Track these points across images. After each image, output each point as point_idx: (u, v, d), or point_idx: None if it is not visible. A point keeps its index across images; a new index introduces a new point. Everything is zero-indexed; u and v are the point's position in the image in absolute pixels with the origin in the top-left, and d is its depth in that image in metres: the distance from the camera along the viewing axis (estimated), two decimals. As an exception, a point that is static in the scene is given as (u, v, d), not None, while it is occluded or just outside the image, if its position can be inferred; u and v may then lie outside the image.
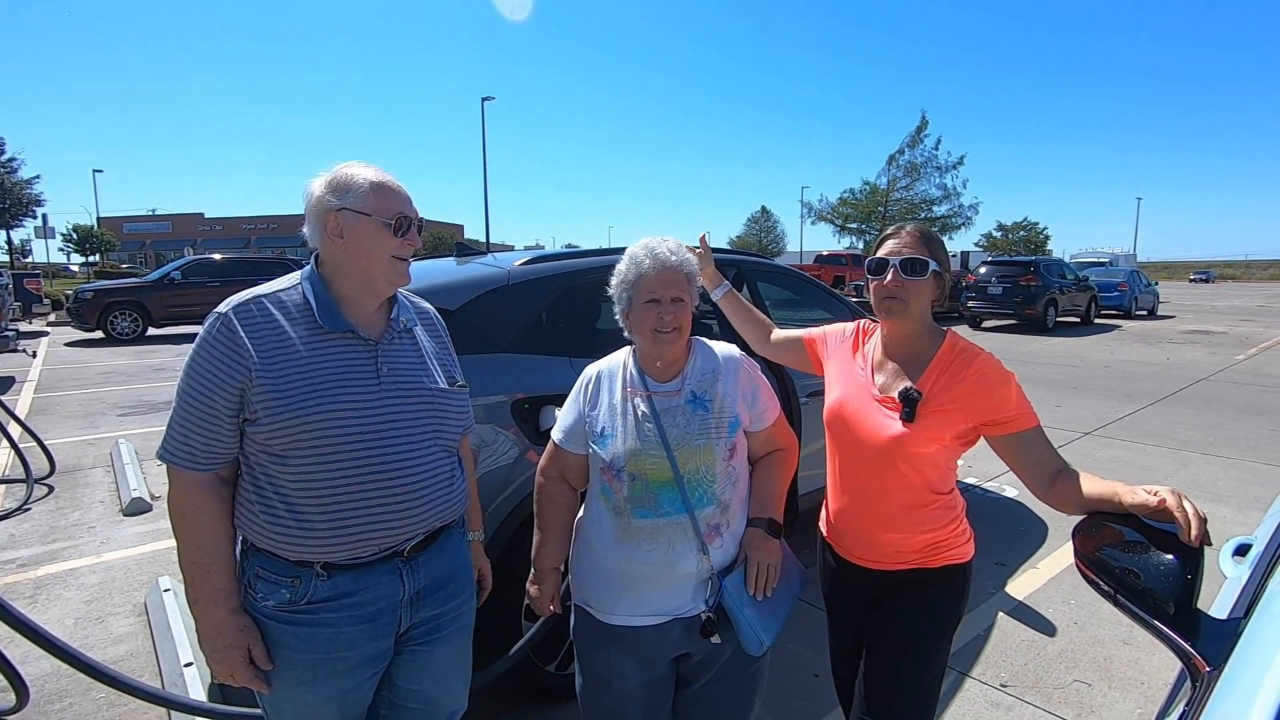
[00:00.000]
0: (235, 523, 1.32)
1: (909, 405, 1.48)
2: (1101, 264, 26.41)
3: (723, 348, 1.65)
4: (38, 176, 31.14)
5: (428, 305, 1.59)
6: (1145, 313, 20.83)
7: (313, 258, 1.39)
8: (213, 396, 1.23)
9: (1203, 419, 7.02)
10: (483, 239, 34.01)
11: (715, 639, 1.46)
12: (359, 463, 1.27)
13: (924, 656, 1.56)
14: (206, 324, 1.27)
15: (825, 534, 1.75)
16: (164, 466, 1.28)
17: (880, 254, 1.57)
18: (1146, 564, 1.05)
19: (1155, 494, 1.15)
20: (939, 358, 1.53)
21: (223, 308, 1.28)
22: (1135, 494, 1.19)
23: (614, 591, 1.51)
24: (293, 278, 1.37)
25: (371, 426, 1.29)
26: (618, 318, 1.60)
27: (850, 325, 1.77)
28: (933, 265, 1.52)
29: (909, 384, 1.51)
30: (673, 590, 1.49)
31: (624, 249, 1.65)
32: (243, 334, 1.24)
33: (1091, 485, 1.32)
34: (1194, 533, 1.06)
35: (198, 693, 2.43)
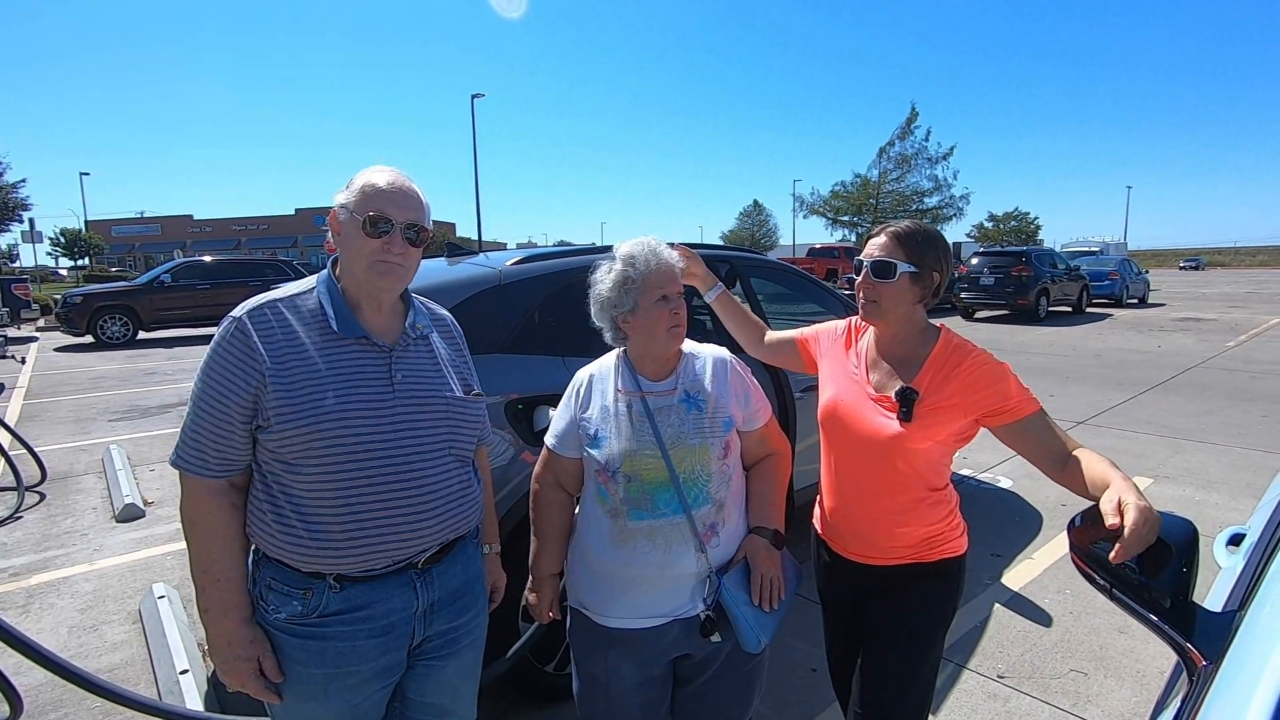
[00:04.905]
0: (247, 531, 1.29)
1: (906, 404, 1.48)
2: (1092, 253, 26.44)
3: (713, 349, 1.65)
4: (24, 180, 30.76)
5: (445, 312, 1.57)
6: (1136, 301, 20.92)
7: (330, 262, 1.38)
8: (226, 402, 1.21)
9: (1194, 406, 7.07)
10: (475, 236, 33.87)
11: (716, 638, 1.46)
12: (371, 472, 1.25)
13: (919, 649, 1.56)
14: (221, 328, 1.25)
15: (820, 530, 1.75)
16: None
17: (862, 254, 1.58)
18: (1141, 557, 1.05)
19: (1117, 509, 1.09)
20: (934, 357, 1.52)
21: (238, 311, 1.26)
22: (1107, 499, 1.13)
23: (611, 594, 1.51)
24: (309, 282, 1.35)
25: (384, 435, 1.27)
26: (612, 320, 1.56)
27: (842, 323, 1.76)
28: (902, 268, 1.49)
29: (904, 383, 1.51)
30: (670, 591, 1.49)
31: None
32: (256, 338, 1.22)
33: (1092, 471, 1.29)
34: (1113, 554, 1.04)
35: (194, 700, 2.42)
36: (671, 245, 2.02)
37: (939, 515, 1.56)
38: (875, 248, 1.54)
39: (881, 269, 1.51)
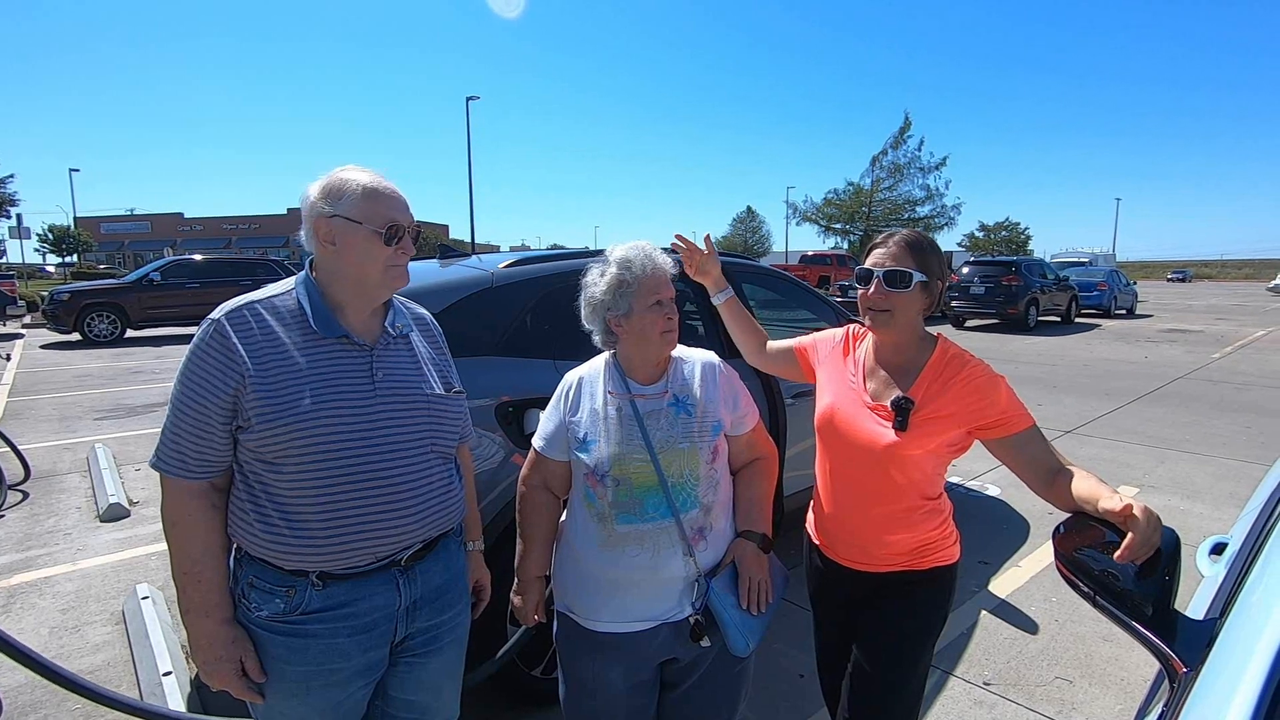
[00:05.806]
0: (229, 531, 1.29)
1: (901, 414, 1.48)
2: (1081, 264, 26.67)
3: (702, 353, 1.65)
4: (12, 176, 30.67)
5: (424, 311, 1.57)
6: (1124, 312, 21.11)
7: (308, 262, 1.37)
8: (205, 403, 1.21)
9: (1180, 417, 7.14)
10: (468, 239, 33.81)
11: (705, 642, 1.46)
12: (353, 470, 1.25)
13: (910, 656, 1.56)
14: (200, 330, 1.25)
15: (813, 536, 1.75)
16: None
17: (867, 263, 1.55)
18: (1125, 565, 1.06)
19: (1125, 504, 1.13)
20: (931, 366, 1.52)
21: (216, 313, 1.26)
22: (1109, 500, 1.18)
23: (599, 598, 1.51)
24: (288, 283, 1.35)
25: (366, 433, 1.27)
26: (605, 323, 1.56)
27: (839, 331, 1.76)
28: (917, 277, 1.49)
29: (901, 392, 1.51)
30: (658, 595, 1.49)
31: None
32: (235, 340, 1.22)
33: (1080, 485, 1.30)
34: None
35: (176, 702, 2.40)
36: (698, 239, 2.01)
37: (932, 524, 1.57)
38: (887, 257, 1.52)
39: (896, 278, 1.49)
